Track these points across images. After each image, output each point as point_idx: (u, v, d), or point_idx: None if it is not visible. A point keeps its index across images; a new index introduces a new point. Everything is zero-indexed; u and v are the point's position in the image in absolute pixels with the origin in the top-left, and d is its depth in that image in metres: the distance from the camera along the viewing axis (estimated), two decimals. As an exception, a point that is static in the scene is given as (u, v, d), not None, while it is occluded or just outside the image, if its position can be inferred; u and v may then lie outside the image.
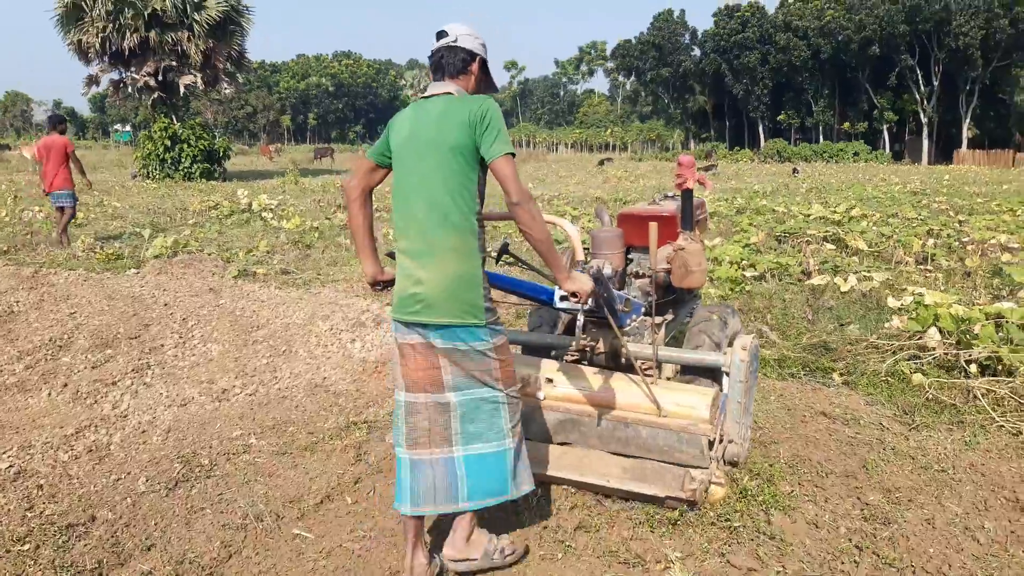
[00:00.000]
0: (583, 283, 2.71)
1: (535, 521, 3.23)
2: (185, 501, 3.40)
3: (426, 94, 2.79)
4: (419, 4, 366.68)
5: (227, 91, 32.21)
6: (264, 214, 14.29)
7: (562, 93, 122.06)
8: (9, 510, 3.23)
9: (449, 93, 2.72)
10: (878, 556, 2.94)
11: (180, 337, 6.11)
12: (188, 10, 27.35)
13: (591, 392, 3.42)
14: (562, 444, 3.49)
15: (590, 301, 2.81)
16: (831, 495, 3.47)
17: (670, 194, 4.75)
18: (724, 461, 3.42)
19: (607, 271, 3.34)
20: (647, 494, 3.20)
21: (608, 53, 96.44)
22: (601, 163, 45.91)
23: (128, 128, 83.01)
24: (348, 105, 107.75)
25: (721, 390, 3.46)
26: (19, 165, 34.13)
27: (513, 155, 2.55)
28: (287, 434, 4.14)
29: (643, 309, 3.74)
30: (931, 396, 4.61)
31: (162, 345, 5.88)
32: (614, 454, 3.40)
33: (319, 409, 4.51)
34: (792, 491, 3.49)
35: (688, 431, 3.21)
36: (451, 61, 2.78)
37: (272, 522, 3.19)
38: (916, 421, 4.33)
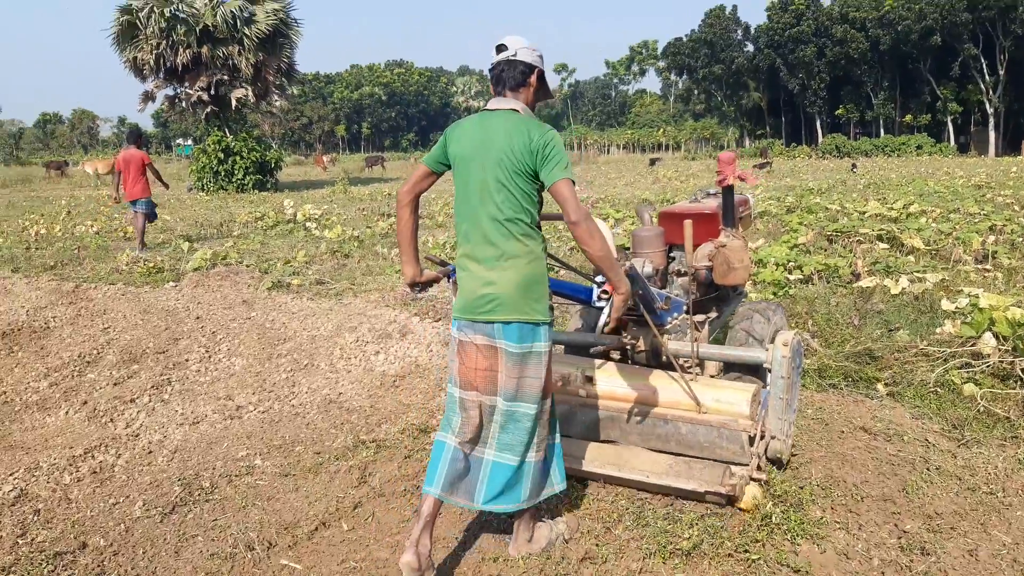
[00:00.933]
0: (625, 302, 2.80)
1: (546, 551, 3.03)
2: (179, 527, 3.30)
3: (490, 107, 2.91)
4: (469, 11, 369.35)
5: (278, 103, 32.76)
6: (308, 224, 14.37)
7: (613, 94, 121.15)
8: (1, 537, 3.17)
9: (514, 110, 2.85)
10: (910, 596, 2.66)
11: (206, 351, 6.09)
12: (238, 25, 27.89)
13: (631, 390, 3.46)
14: (604, 442, 3.51)
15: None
16: (865, 521, 3.19)
17: (712, 191, 4.70)
18: (767, 458, 3.39)
19: (647, 269, 3.65)
20: (687, 489, 3.17)
21: (659, 52, 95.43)
22: (652, 163, 45.32)
23: (190, 142, 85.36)
24: (400, 113, 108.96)
25: (764, 386, 3.44)
26: (82, 181, 35.34)
27: (573, 181, 2.73)
28: (293, 454, 4.02)
29: (684, 307, 3.73)
30: (983, 408, 4.24)
31: (187, 360, 5.86)
32: (654, 451, 3.40)
33: (330, 427, 4.38)
34: (822, 517, 3.21)
35: (728, 427, 3.21)
36: (512, 75, 2.90)
37: (262, 551, 3.06)
38: (965, 436, 3.98)
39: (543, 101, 3.07)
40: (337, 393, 4.96)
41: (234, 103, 28.91)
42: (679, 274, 4.21)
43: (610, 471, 3.35)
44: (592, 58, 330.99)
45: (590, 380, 3.55)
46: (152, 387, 5.21)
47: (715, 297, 4.33)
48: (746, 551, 2.95)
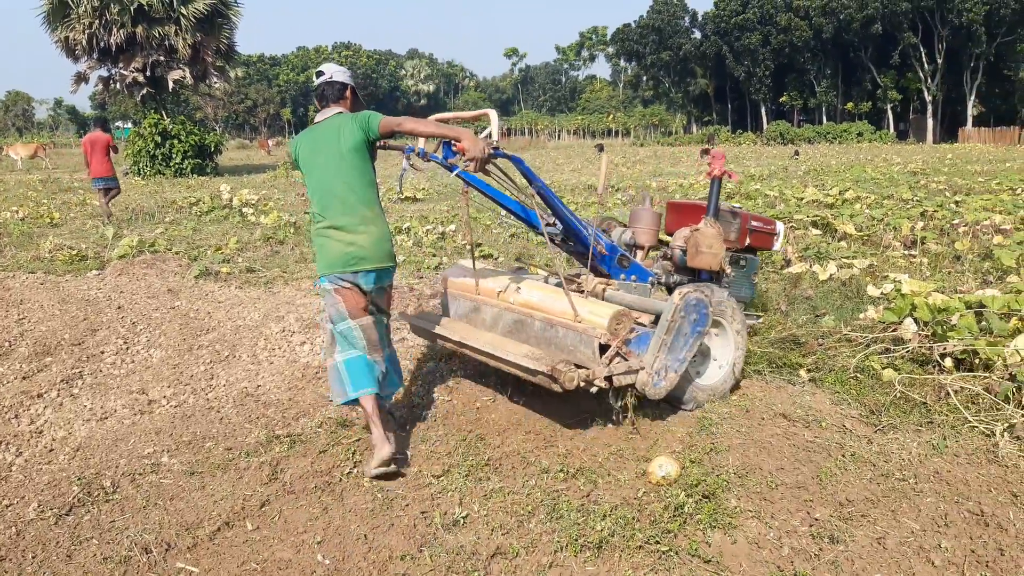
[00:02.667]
0: (476, 144, 3.48)
1: (451, 545, 2.96)
2: (73, 530, 3.13)
3: (318, 120, 3.76)
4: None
5: (218, 85, 31.88)
6: (244, 210, 14.01)
7: (563, 79, 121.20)
8: None
9: (339, 112, 3.76)
10: (814, 586, 2.65)
11: (124, 343, 5.86)
12: (175, 4, 26.99)
13: (540, 301, 4.11)
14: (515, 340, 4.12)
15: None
16: (778, 510, 3.19)
17: (737, 207, 5.14)
18: (635, 387, 3.81)
19: (626, 237, 4.79)
20: (524, 366, 3.69)
21: (608, 38, 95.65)
22: (600, 148, 45.41)
23: (129, 125, 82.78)
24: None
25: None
26: (9, 165, 33.92)
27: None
28: (203, 450, 3.87)
29: (651, 279, 4.54)
30: (901, 394, 4.30)
31: (103, 352, 5.62)
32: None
33: (244, 421, 4.23)
34: (736, 506, 3.20)
35: (587, 333, 3.73)
36: (332, 92, 3.81)
37: (159, 554, 2.92)
38: (882, 422, 4.03)
39: (356, 109, 3.88)
40: (256, 386, 4.80)
41: (171, 85, 28.02)
42: (665, 257, 4.85)
43: (488, 349, 3.95)
44: (542, 43, 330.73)
45: (519, 291, 4.25)
46: (62, 381, 4.98)
47: (688, 280, 4.70)
48: (657, 542, 2.92)
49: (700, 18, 72.26)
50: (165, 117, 28.14)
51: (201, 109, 74.77)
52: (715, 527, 3.03)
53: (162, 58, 27.46)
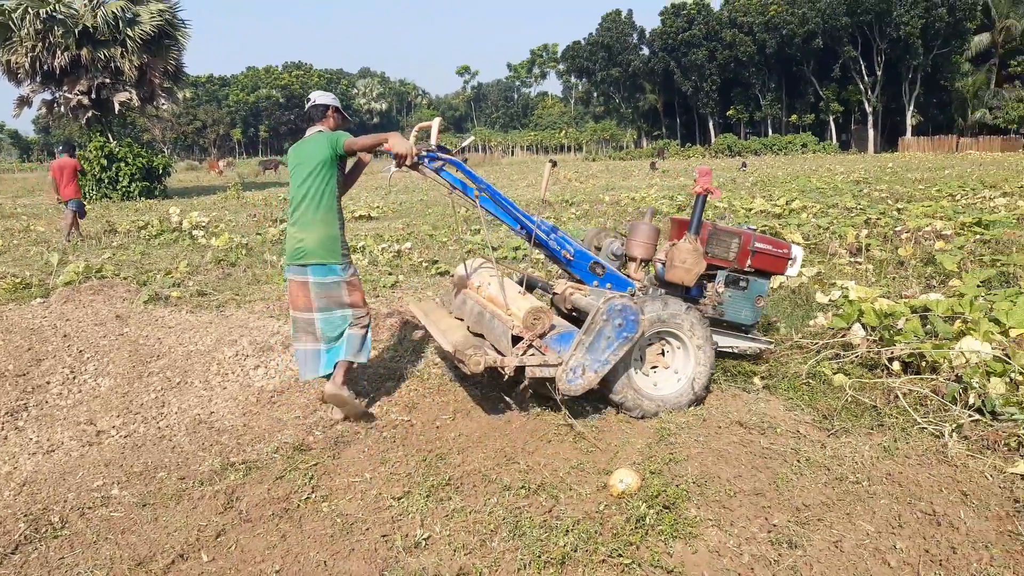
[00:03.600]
0: (401, 143, 4.10)
1: (413, 568, 2.92)
2: (20, 569, 3.02)
3: (307, 135, 4.49)
4: (370, 12, 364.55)
5: (165, 107, 31.43)
6: (194, 232, 13.77)
7: (516, 96, 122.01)
8: None
9: (320, 131, 4.44)
10: (774, 592, 2.68)
11: (71, 372, 5.69)
12: (120, 26, 26.57)
13: (494, 295, 4.48)
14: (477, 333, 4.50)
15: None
16: (737, 517, 3.22)
17: (750, 228, 5.14)
18: (557, 382, 4.06)
19: (614, 247, 4.94)
20: (443, 347, 4.28)
21: (559, 55, 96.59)
22: (553, 164, 45.78)
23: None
24: (300, 116, 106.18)
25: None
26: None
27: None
28: (155, 481, 3.77)
29: (629, 289, 4.60)
30: (852, 398, 4.39)
31: (48, 383, 5.45)
32: (473, 333, 4.52)
33: (197, 449, 4.14)
34: (696, 515, 3.23)
35: (505, 325, 4.15)
36: (316, 113, 4.53)
37: (110, 590, 2.84)
38: (835, 426, 4.10)
39: (344, 127, 4.58)
40: (209, 412, 4.70)
41: (117, 107, 27.49)
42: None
43: (438, 335, 4.43)
44: (494, 61, 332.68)
45: (489, 287, 4.65)
46: (6, 413, 4.81)
47: (669, 292, 4.77)
48: (620, 555, 2.93)
49: (648, 35, 73.44)
50: (111, 140, 27.60)
51: (149, 131, 73.44)
52: (676, 537, 3.05)
53: (108, 80, 26.95)
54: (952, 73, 57.16)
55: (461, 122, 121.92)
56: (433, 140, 4.39)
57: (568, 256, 4.61)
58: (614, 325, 4.08)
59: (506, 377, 4.08)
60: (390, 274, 9.17)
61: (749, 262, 4.88)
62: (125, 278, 9.19)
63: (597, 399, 4.70)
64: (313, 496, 3.55)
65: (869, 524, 3.12)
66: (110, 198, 26.06)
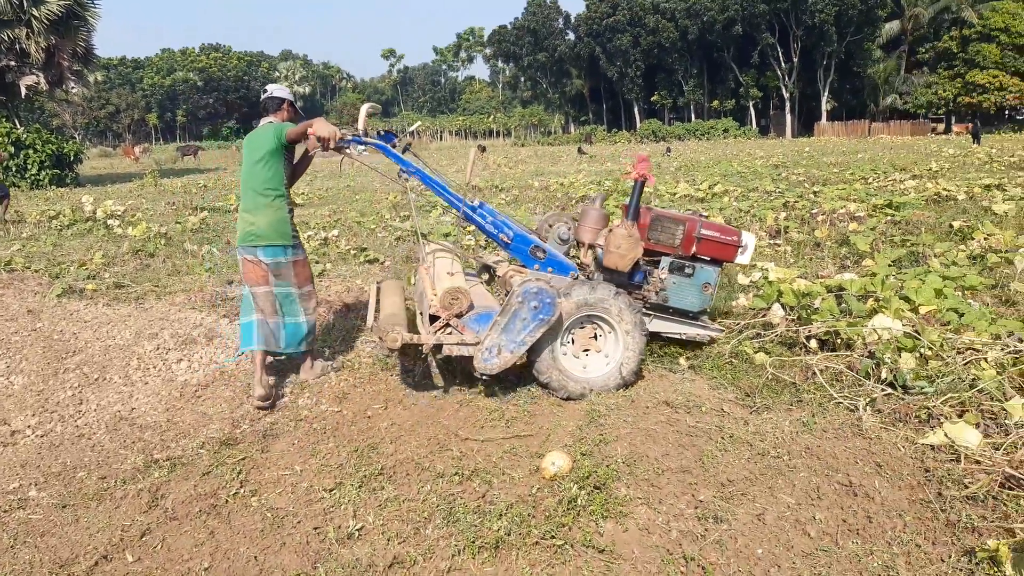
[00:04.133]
0: (325, 127, 4.36)
1: (347, 559, 2.90)
2: (-72, 579, 2.88)
3: (258, 125, 4.78)
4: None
5: (75, 90, 30.07)
6: (109, 222, 13.22)
7: (443, 80, 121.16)
8: None
9: (271, 121, 4.75)
10: (703, 568, 2.77)
11: (-21, 371, 5.42)
12: (25, 6, 25.22)
13: (434, 281, 4.61)
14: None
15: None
16: (666, 495, 3.31)
17: (700, 215, 5.20)
18: (474, 361, 4.25)
19: (560, 230, 4.98)
20: (368, 324, 4.66)
21: (485, 39, 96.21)
22: (482, 149, 45.77)
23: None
24: (219, 100, 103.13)
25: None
26: None
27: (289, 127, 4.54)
28: (75, 481, 3.64)
29: (571, 273, 4.71)
30: (772, 376, 4.55)
31: (-46, 382, 5.18)
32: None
33: (119, 447, 4.01)
34: (626, 494, 3.30)
35: (428, 304, 4.37)
36: (270, 104, 4.83)
37: (28, 596, 2.73)
38: (756, 403, 4.25)
39: (297, 120, 4.77)
40: (130, 409, 4.55)
41: (24, 91, 26.19)
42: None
43: (370, 312, 4.79)
44: (420, 44, 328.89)
45: (433, 268, 4.85)
46: (-93, 417, 4.55)
47: (607, 277, 4.82)
48: (553, 537, 2.97)
49: (573, 20, 73.81)
50: (18, 126, 26.24)
51: (58, 116, 70.11)
52: (607, 517, 3.12)
53: (13, 63, 25.64)
54: (864, 60, 59.43)
55: (388, 106, 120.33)
56: (360, 125, 4.62)
57: (505, 239, 4.72)
58: (530, 307, 4.21)
59: (424, 355, 4.46)
60: (317, 262, 9.02)
61: (695, 249, 4.87)
62: (36, 271, 8.78)
63: (529, 382, 4.75)
64: (242, 491, 3.49)
65: (790, 496, 3.24)
66: (18, 187, 24.76)
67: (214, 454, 3.87)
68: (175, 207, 16.34)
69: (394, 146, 4.69)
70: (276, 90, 4.83)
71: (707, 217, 5.11)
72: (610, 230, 4.75)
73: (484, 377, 4.32)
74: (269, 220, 4.56)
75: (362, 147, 4.60)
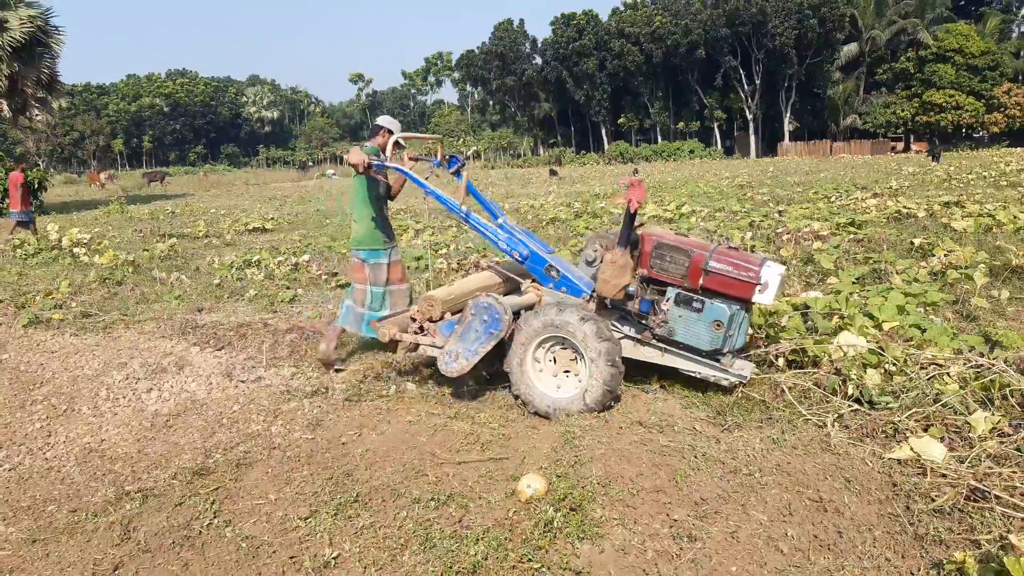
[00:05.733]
0: (356, 155, 5.09)
1: (322, 588, 2.89)
2: None
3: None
4: (258, 19, 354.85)
5: (39, 117, 29.69)
6: (75, 250, 13.04)
7: (412, 104, 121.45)
8: None
9: (369, 145, 5.67)
10: (677, 585, 2.81)
11: (-58, 405, 5.31)
12: (-14, 32, 24.93)
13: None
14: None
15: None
16: (641, 515, 3.34)
17: (730, 243, 4.79)
18: (438, 362, 4.76)
19: (587, 254, 4.99)
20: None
21: (453, 64, 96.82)
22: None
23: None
24: (186, 125, 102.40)
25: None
26: None
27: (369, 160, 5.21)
28: (44, 515, 3.58)
29: (584, 295, 4.85)
30: (742, 394, 4.63)
31: (-84, 417, 5.07)
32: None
33: (89, 480, 3.95)
34: (602, 515, 3.33)
35: (409, 311, 5.04)
36: (373, 130, 5.80)
37: (-2, 635, 2.68)
38: (728, 422, 4.31)
39: (386, 140, 5.58)
40: (100, 440, 4.49)
41: (-16, 118, 25.78)
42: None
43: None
44: (388, 69, 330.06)
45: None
46: None
47: (615, 304, 4.81)
48: (530, 560, 2.99)
49: (540, 44, 74.62)
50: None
51: (21, 143, 69.04)
52: (583, 538, 3.14)
53: (-26, 91, 25.23)
54: (824, 81, 60.81)
55: (357, 130, 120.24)
56: (388, 153, 5.41)
57: (519, 257, 5.01)
58: (480, 320, 4.59)
59: (400, 352, 5.22)
60: (288, 288, 8.99)
61: (702, 282, 4.46)
62: (1, 301, 8.63)
63: (502, 405, 4.78)
64: (215, 521, 3.46)
65: (762, 514, 3.30)
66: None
67: (187, 484, 3.83)
68: (142, 234, 16.17)
69: (461, 167, 5.45)
70: (379, 119, 5.78)
71: (731, 244, 4.61)
72: (604, 261, 4.70)
73: (451, 376, 4.76)
74: (363, 227, 5.59)
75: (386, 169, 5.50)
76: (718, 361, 4.56)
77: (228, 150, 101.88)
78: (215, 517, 3.49)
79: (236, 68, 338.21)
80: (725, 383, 4.58)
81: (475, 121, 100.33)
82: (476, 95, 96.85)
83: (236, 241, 14.72)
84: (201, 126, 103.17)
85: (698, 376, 4.65)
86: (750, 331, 5.41)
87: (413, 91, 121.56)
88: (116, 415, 4.94)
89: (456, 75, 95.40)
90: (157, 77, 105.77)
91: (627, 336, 4.76)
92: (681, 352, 4.62)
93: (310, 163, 60.59)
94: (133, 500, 3.67)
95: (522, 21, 78.33)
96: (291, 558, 3.11)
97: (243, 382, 5.52)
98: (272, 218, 18.74)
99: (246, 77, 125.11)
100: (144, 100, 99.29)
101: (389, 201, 5.88)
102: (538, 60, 75.19)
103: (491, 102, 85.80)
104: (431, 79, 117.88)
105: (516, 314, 4.75)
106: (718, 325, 4.41)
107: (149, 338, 6.80)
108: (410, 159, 5.71)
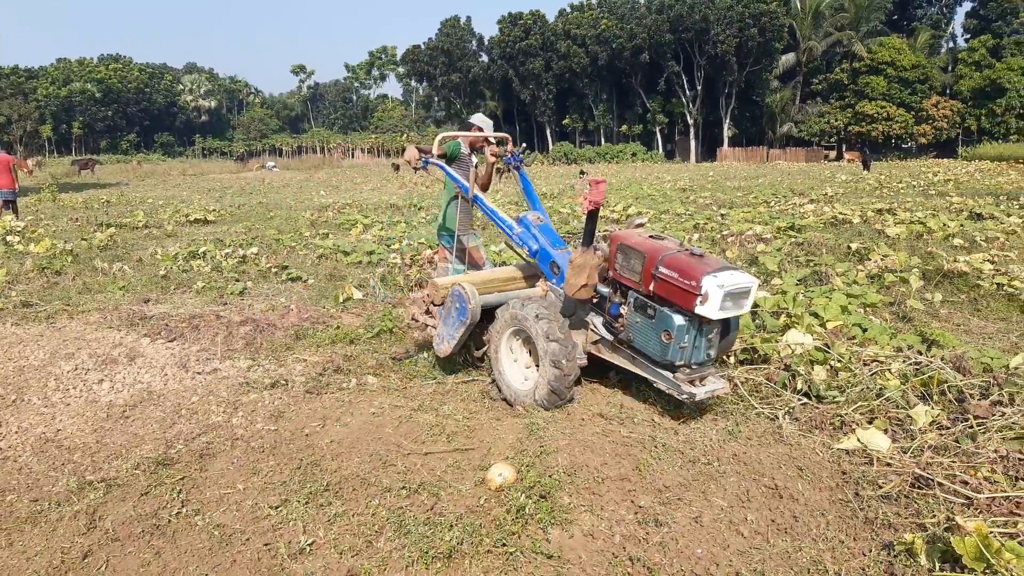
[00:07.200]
0: (409, 152, 5.94)
1: (300, 573, 2.92)
2: None
3: None
4: (195, 6, 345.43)
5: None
6: (9, 238, 12.57)
7: (355, 98, 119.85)
8: None
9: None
10: (648, 568, 2.93)
11: None
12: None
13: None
14: None
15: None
16: (607, 501, 3.46)
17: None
18: (434, 342, 5.22)
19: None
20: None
21: (398, 58, 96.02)
22: (396, 168, 45.70)
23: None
24: (119, 112, 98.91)
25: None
26: None
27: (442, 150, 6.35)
28: (4, 504, 3.50)
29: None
30: (698, 389, 4.79)
31: None
32: None
33: (48, 469, 3.87)
34: (570, 502, 3.44)
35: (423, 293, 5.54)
36: (465, 126, 6.79)
37: (-33, 624, 2.64)
38: (684, 414, 4.47)
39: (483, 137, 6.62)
40: (55, 430, 4.39)
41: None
42: None
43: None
44: (331, 61, 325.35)
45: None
46: None
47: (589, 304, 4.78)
48: (504, 544, 3.07)
49: (487, 42, 74.61)
50: None
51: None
52: (553, 524, 3.24)
53: None
54: (763, 89, 62.37)
55: (298, 122, 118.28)
56: (435, 150, 6.01)
57: (527, 253, 5.21)
58: (454, 307, 4.91)
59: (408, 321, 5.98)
60: (237, 280, 8.86)
61: (652, 287, 4.22)
62: (-69, 290, 8.29)
63: (467, 399, 4.85)
64: (184, 510, 3.44)
65: (722, 500, 3.45)
66: None
67: (151, 474, 3.79)
68: (79, 223, 15.66)
69: (521, 163, 5.86)
70: (472, 116, 6.76)
71: (695, 250, 4.21)
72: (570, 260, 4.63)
73: (441, 356, 5.21)
74: (443, 215, 6.74)
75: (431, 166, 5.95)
76: (673, 373, 4.25)
77: (163, 139, 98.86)
78: (183, 506, 3.48)
79: (173, 55, 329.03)
80: (678, 397, 4.25)
81: (419, 117, 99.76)
82: (421, 91, 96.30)
83: (178, 232, 14.40)
84: (134, 113, 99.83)
85: (656, 385, 4.40)
86: (738, 343, 5.26)
87: (356, 84, 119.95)
88: (69, 405, 4.83)
89: (401, 70, 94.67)
90: (89, 62, 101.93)
91: (603, 339, 4.67)
92: (643, 361, 4.38)
93: (248, 154, 59.26)
94: (96, 489, 3.62)
95: (469, 18, 78.27)
96: (265, 545, 3.13)
97: (199, 373, 5.46)
98: (214, 209, 18.37)
99: (183, 65, 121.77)
100: (75, 85, 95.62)
101: (481, 193, 6.11)
102: (484, 58, 75.17)
103: (436, 98, 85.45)
104: (375, 73, 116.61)
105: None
106: (667, 335, 4.13)
107: (96, 328, 6.63)
108: (492, 154, 6.49)
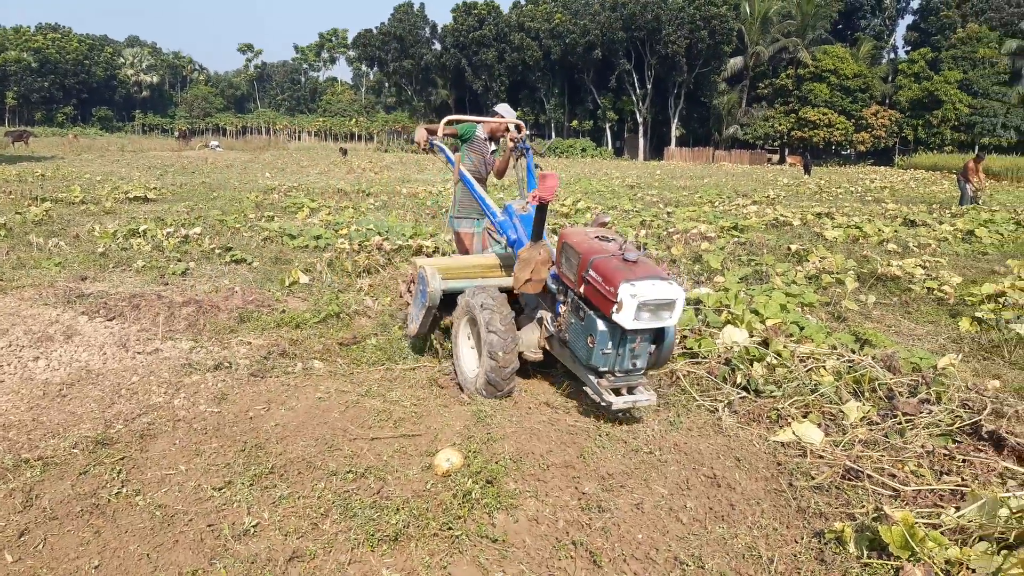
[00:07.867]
0: (418, 133, 6.05)
1: (245, 555, 2.91)
2: None
3: None
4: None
5: None
6: (-66, 209, 12.06)
7: (303, 80, 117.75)
8: None
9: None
10: (591, 553, 3.00)
11: None
12: None
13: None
14: None
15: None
16: (552, 488, 3.53)
17: (635, 252, 4.11)
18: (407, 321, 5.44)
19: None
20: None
21: (349, 42, 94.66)
22: (344, 152, 45.15)
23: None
24: (56, 84, 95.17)
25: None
26: None
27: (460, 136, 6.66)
28: (-68, 482, 3.40)
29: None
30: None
31: None
32: None
33: (-20, 447, 3.76)
34: (516, 488, 3.49)
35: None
36: (492, 115, 6.70)
37: None
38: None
39: (501, 121, 6.60)
40: (-12, 408, 4.27)
41: None
42: None
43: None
44: (280, 41, 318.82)
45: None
46: None
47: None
48: (450, 528, 3.11)
49: (440, 30, 74.09)
50: None
51: None
52: (499, 509, 3.29)
53: None
54: (711, 91, 63.48)
55: (243, 102, 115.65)
56: (440, 132, 6.07)
57: (506, 241, 5.25)
58: (419, 289, 5.05)
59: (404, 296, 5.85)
60: (179, 260, 8.69)
61: (583, 289, 4.09)
62: None
63: (414, 385, 4.87)
64: (124, 490, 3.39)
65: (663, 488, 3.55)
66: None
67: (89, 454, 3.72)
68: (12, 196, 15.08)
69: (528, 150, 6.05)
70: (497, 106, 6.73)
71: (629, 256, 3.98)
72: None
73: (409, 336, 5.41)
74: (456, 196, 6.52)
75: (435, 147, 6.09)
76: (598, 378, 4.12)
77: (101, 113, 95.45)
78: (123, 486, 3.42)
79: (114, 28, 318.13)
80: (598, 403, 4.14)
81: (369, 102, 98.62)
82: (372, 76, 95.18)
83: (117, 209, 13.99)
84: (72, 85, 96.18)
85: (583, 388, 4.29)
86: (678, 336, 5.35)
87: (305, 66, 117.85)
88: (3, 382, 4.69)
89: (352, 53, 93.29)
90: (26, 30, 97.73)
91: (552, 335, 4.59)
92: (575, 360, 4.32)
93: (190, 132, 57.78)
94: (33, 468, 3.53)
95: (423, 5, 77.61)
96: (209, 526, 3.11)
97: (140, 353, 5.35)
98: (155, 188, 17.90)
99: (124, 38, 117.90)
100: (10, 53, 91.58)
101: (496, 179, 6.90)
102: (437, 46, 74.63)
103: (387, 84, 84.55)
104: (325, 55, 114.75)
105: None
106: (591, 340, 4.02)
107: (31, 305, 6.44)
108: (511, 140, 6.40)
